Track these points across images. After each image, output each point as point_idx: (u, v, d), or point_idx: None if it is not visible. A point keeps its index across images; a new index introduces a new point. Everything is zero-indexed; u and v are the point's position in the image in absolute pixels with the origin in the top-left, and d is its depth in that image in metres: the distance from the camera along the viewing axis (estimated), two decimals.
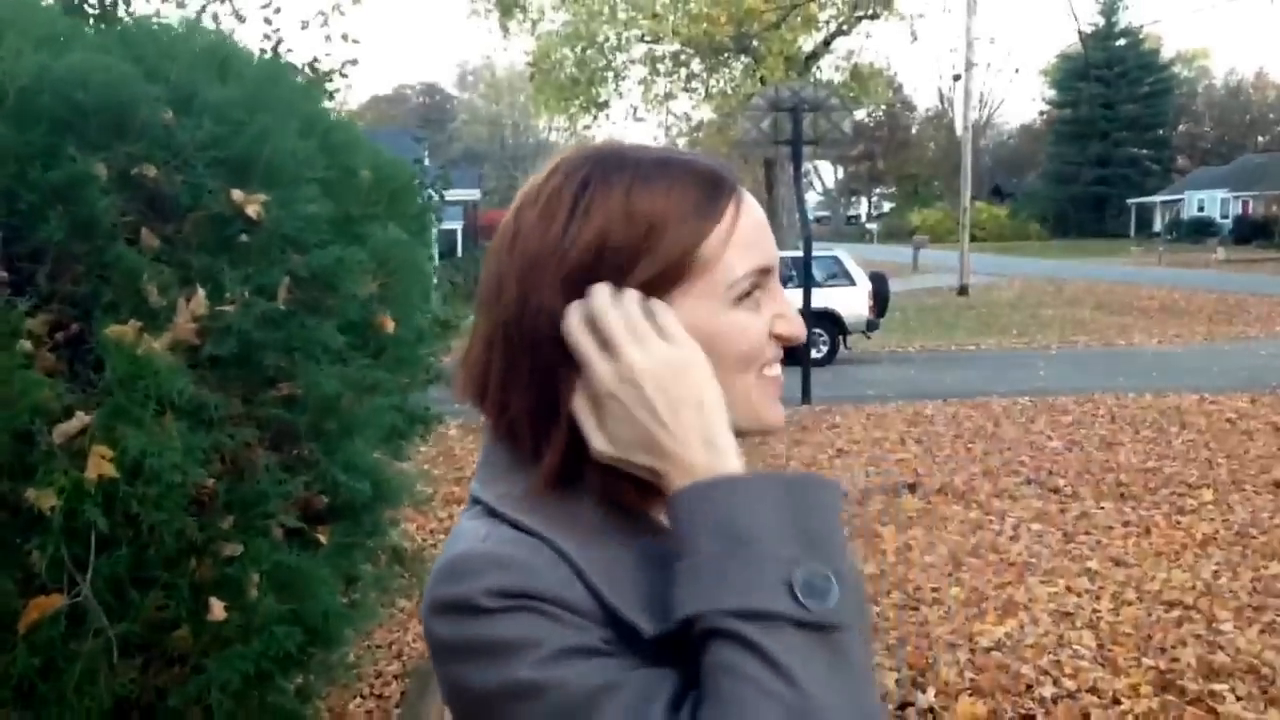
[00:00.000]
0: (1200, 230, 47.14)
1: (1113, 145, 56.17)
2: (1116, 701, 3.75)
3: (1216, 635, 4.32)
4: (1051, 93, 63.60)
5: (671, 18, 23.32)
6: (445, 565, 0.78)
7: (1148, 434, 8.66)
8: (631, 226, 0.78)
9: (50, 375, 1.97)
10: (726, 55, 25.93)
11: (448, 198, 5.39)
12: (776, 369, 0.86)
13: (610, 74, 25.94)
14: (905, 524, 6.19)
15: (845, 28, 25.51)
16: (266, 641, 2.13)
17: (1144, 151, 57.33)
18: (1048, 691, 3.83)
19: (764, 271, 0.83)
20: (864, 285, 14.50)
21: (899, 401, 10.61)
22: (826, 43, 25.76)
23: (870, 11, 24.80)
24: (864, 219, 68.81)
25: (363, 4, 6.77)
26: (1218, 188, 50.23)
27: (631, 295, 0.78)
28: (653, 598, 0.76)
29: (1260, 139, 63.86)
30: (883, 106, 55.02)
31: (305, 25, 6.32)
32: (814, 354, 12.79)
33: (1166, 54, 60.58)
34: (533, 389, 0.80)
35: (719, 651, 0.69)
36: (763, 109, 11.25)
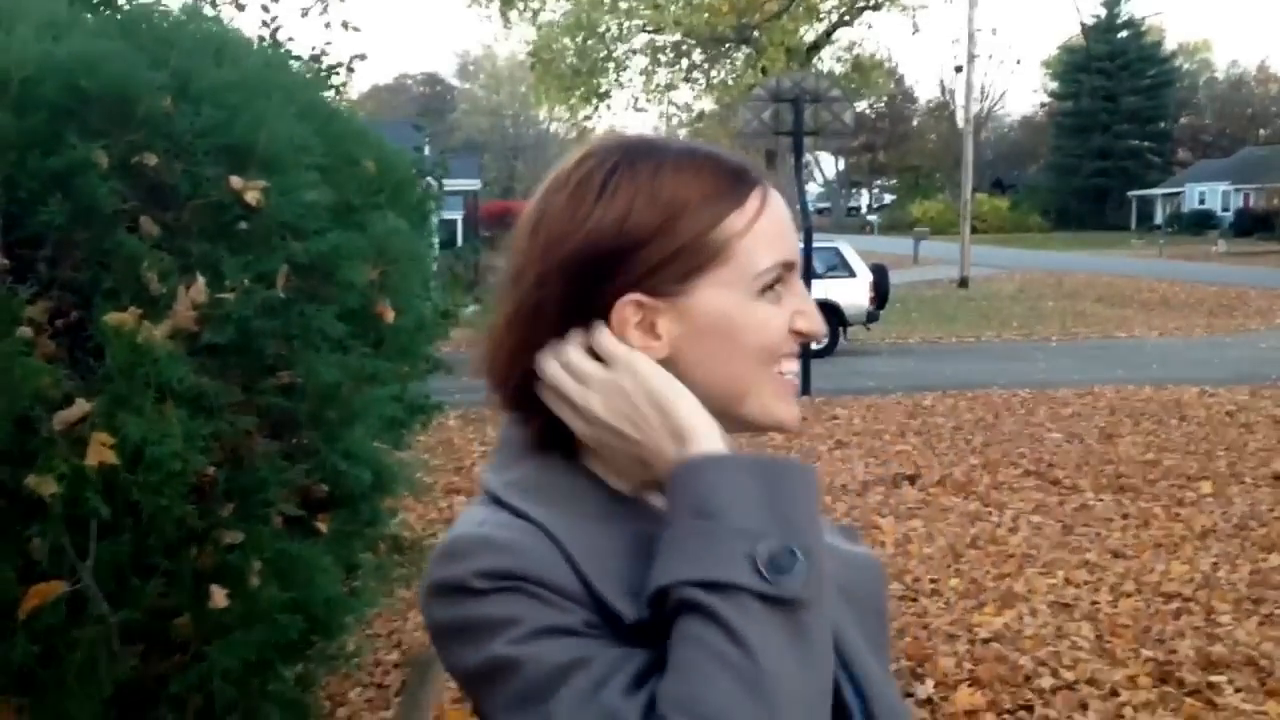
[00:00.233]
0: (1201, 223, 47.09)
1: (1114, 138, 56.04)
2: (1115, 693, 3.75)
3: (1215, 627, 4.33)
4: (1053, 85, 63.48)
5: (673, 7, 23.27)
6: (441, 549, 0.80)
7: (1148, 426, 8.66)
8: (652, 209, 0.80)
9: (50, 362, 1.97)
10: (728, 46, 25.90)
11: (448, 188, 5.38)
12: (794, 367, 0.87)
13: (611, 64, 25.91)
14: (905, 515, 6.20)
15: (847, 18, 25.49)
16: (269, 629, 2.14)
17: (1145, 144, 57.20)
18: (1046, 682, 3.84)
19: (786, 265, 0.84)
20: (864, 277, 14.49)
21: (899, 393, 10.62)
22: (828, 33, 25.73)
23: (872, 2, 24.76)
24: (865, 211, 68.66)
25: None
26: (1219, 180, 50.16)
27: (571, 343, 0.81)
28: (639, 585, 0.76)
29: (1262, 132, 63.72)
30: (884, 98, 55.02)
31: (305, 13, 6.29)
32: (814, 345, 12.77)
33: (1168, 46, 60.50)
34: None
35: (684, 623, 0.71)
36: (764, 100, 11.24)
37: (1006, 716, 3.63)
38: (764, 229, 0.82)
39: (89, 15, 2.65)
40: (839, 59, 27.04)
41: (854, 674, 0.86)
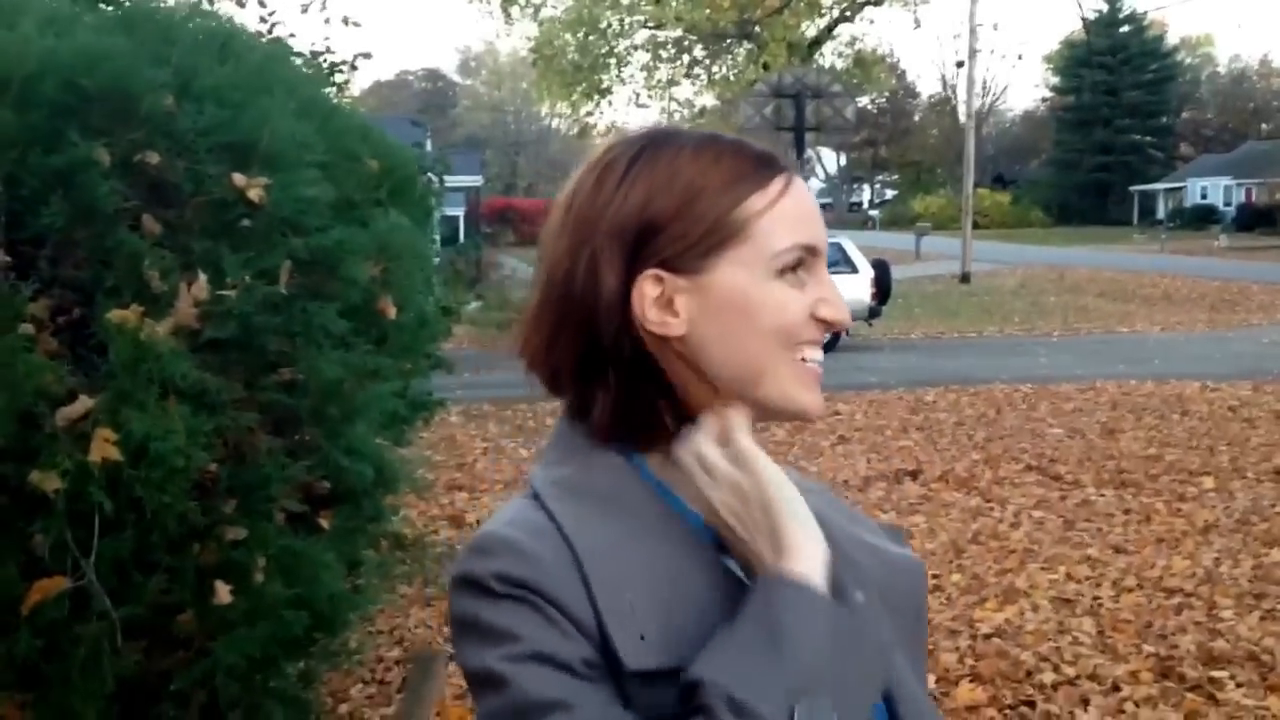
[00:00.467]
0: (1203, 218, 46.98)
1: (1116, 132, 55.93)
2: (1116, 688, 3.76)
3: (1217, 622, 4.33)
4: (1055, 79, 63.31)
5: (674, 3, 23.24)
6: (472, 541, 0.81)
7: (1149, 421, 8.66)
8: (674, 190, 0.82)
9: (52, 359, 1.97)
10: (729, 41, 25.87)
11: (450, 184, 5.38)
12: (818, 355, 0.86)
13: (613, 60, 25.88)
14: (906, 511, 6.20)
15: (848, 14, 25.44)
16: (273, 625, 2.14)
17: (1147, 139, 57.08)
18: (1048, 678, 3.84)
19: (809, 250, 0.84)
20: (866, 272, 14.46)
21: (901, 389, 10.62)
22: (830, 29, 25.69)
23: None
24: (866, 206, 68.59)
25: None
26: (1221, 175, 50.05)
27: (705, 432, 0.83)
28: (650, 627, 0.76)
29: (1264, 126, 63.59)
30: (886, 93, 54.88)
31: (305, 9, 6.30)
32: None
33: (1170, 40, 60.35)
34: (578, 343, 0.84)
35: None
36: (765, 95, 11.24)
37: (1008, 712, 3.64)
38: (785, 211, 0.83)
39: (90, 12, 2.65)
40: (840, 54, 27.02)
41: (894, 697, 0.85)
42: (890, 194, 70.15)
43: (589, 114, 26.86)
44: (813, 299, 0.84)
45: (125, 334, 1.95)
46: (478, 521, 6.07)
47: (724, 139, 0.86)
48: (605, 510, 0.81)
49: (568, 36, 25.11)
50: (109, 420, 1.91)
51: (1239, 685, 3.73)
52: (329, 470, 2.48)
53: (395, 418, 3.07)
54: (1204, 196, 50.29)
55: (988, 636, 4.24)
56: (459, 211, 28.10)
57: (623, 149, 0.85)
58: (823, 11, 25.01)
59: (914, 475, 7.07)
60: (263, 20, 4.66)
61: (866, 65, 26.89)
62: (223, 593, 2.07)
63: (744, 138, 0.88)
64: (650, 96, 27.63)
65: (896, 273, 16.89)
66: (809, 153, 25.27)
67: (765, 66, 21.36)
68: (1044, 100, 68.89)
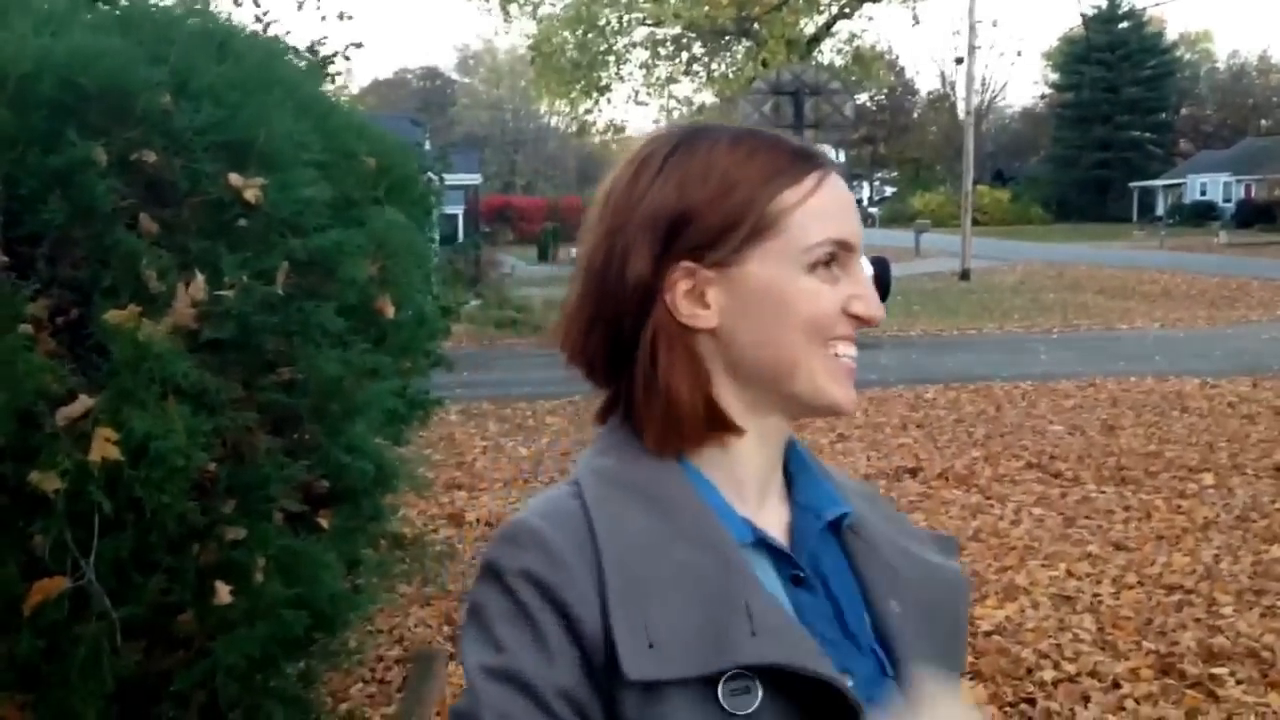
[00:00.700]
0: (1202, 214, 46.98)
1: (1115, 129, 55.93)
2: (1116, 685, 3.76)
3: (1217, 619, 4.33)
4: (1054, 76, 63.32)
5: (673, 0, 23.19)
6: (505, 526, 0.82)
7: (1149, 418, 8.66)
8: (708, 182, 0.82)
9: (52, 359, 1.97)
10: (728, 39, 25.84)
11: (449, 182, 5.38)
12: (851, 351, 0.86)
13: (611, 58, 25.83)
14: (906, 508, 6.20)
15: (847, 11, 25.39)
16: (273, 625, 2.14)
17: (1146, 135, 57.07)
18: (1048, 675, 3.85)
19: (844, 246, 0.85)
20: (866, 269, 14.42)
21: (900, 386, 10.62)
22: (828, 26, 25.63)
23: None
24: (866, 203, 68.58)
25: None
26: (1220, 171, 50.05)
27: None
28: (665, 636, 0.75)
29: (1263, 122, 63.58)
30: (884, 90, 54.90)
31: (300, 5, 6.29)
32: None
33: (1169, 37, 60.34)
34: (610, 329, 0.84)
35: None
36: (764, 93, 11.23)
37: (1008, 709, 3.64)
38: (818, 205, 0.83)
39: (87, 11, 2.64)
40: (839, 51, 26.96)
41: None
42: (889, 191, 70.13)
43: (587, 112, 26.83)
44: (846, 294, 0.85)
45: (125, 333, 1.95)
46: (477, 520, 6.07)
47: (761, 134, 0.86)
48: (640, 505, 0.81)
49: (566, 34, 25.05)
50: (109, 420, 1.91)
51: (1239, 682, 3.73)
52: (329, 469, 2.47)
53: (393, 416, 3.07)
54: (1203, 193, 50.29)
55: (988, 634, 4.24)
56: (458, 210, 28.09)
57: (661, 143, 0.86)
58: (821, 8, 24.96)
59: (914, 473, 7.07)
60: (258, 20, 4.65)
61: (865, 62, 26.84)
62: (222, 593, 2.07)
63: (782, 133, 0.88)
64: (649, 94, 27.59)
65: (896, 270, 16.85)
66: None
67: (764, 64, 21.34)
68: (1043, 97, 68.97)
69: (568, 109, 28.07)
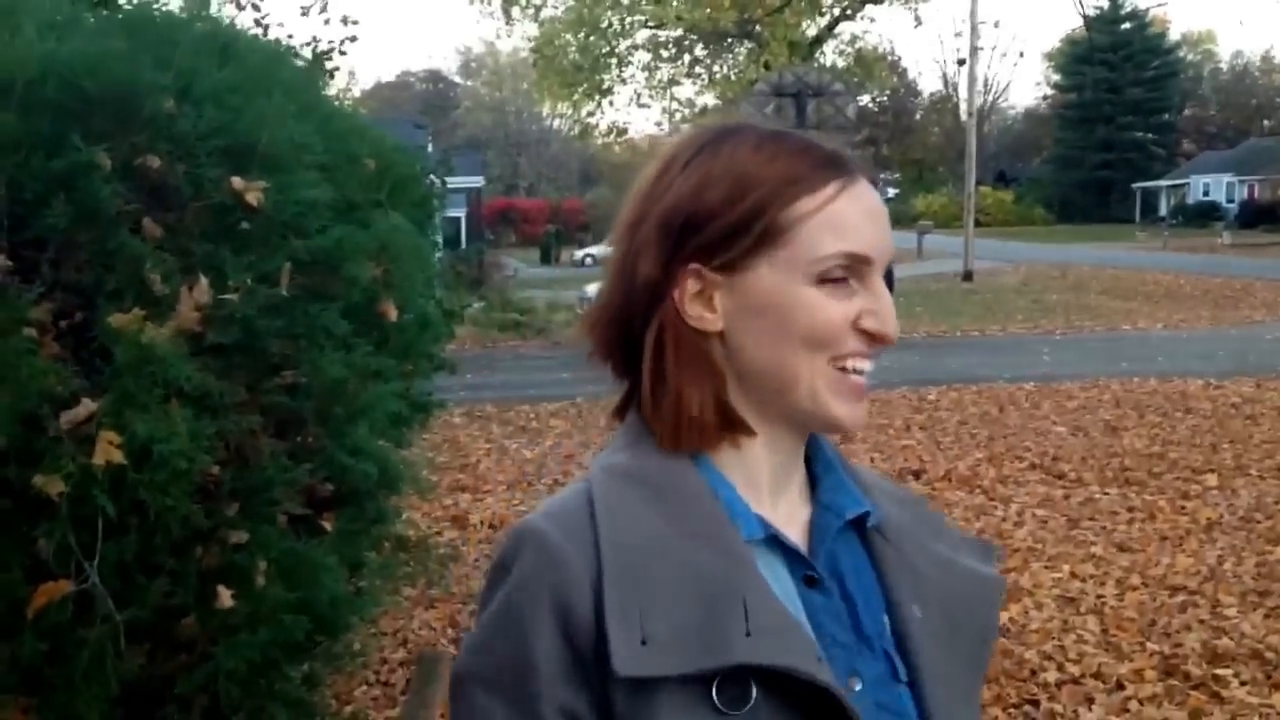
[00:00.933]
0: (1206, 214, 46.90)
1: (1118, 129, 55.87)
2: (1120, 686, 3.75)
3: (1221, 620, 4.33)
4: (1056, 77, 63.27)
5: (675, 2, 23.21)
6: (515, 526, 0.83)
7: (1153, 419, 8.64)
8: (724, 183, 0.81)
9: (55, 362, 1.97)
10: (730, 40, 25.85)
11: (451, 185, 5.39)
12: (864, 367, 0.85)
13: (614, 60, 25.85)
14: None
15: (849, 12, 25.40)
16: (275, 629, 2.14)
17: (1149, 136, 57.01)
18: (1052, 676, 3.84)
19: (860, 260, 0.81)
20: None
21: (904, 388, 10.60)
22: (830, 27, 25.64)
23: None
24: None
25: None
26: (1223, 172, 49.98)
27: None
28: (663, 635, 0.75)
29: (1266, 122, 63.51)
30: (887, 92, 54.85)
31: (305, 11, 6.30)
32: None
33: (1172, 37, 60.26)
34: (624, 326, 0.85)
35: None
36: (766, 94, 11.23)
37: (1012, 711, 3.63)
38: (834, 217, 0.80)
39: (92, 15, 2.65)
40: (841, 53, 26.96)
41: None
42: (892, 192, 70.01)
43: (590, 114, 26.86)
44: (857, 309, 0.82)
45: (128, 336, 1.95)
46: (481, 522, 6.07)
47: (790, 136, 0.84)
48: (648, 500, 0.81)
49: (568, 36, 25.07)
50: (113, 423, 1.91)
51: (1243, 683, 3.73)
52: (332, 471, 2.48)
53: (396, 419, 3.07)
54: (1206, 193, 50.23)
55: None
56: (461, 213, 28.11)
57: (690, 141, 0.86)
58: (823, 10, 24.96)
59: (917, 474, 7.06)
60: (257, 24, 4.66)
61: (867, 64, 26.85)
62: (224, 597, 2.07)
63: (815, 136, 0.86)
64: (651, 96, 27.62)
65: (899, 271, 16.87)
66: None
67: (766, 65, 21.32)
68: (1046, 98, 68.89)
69: (570, 111, 28.10)
